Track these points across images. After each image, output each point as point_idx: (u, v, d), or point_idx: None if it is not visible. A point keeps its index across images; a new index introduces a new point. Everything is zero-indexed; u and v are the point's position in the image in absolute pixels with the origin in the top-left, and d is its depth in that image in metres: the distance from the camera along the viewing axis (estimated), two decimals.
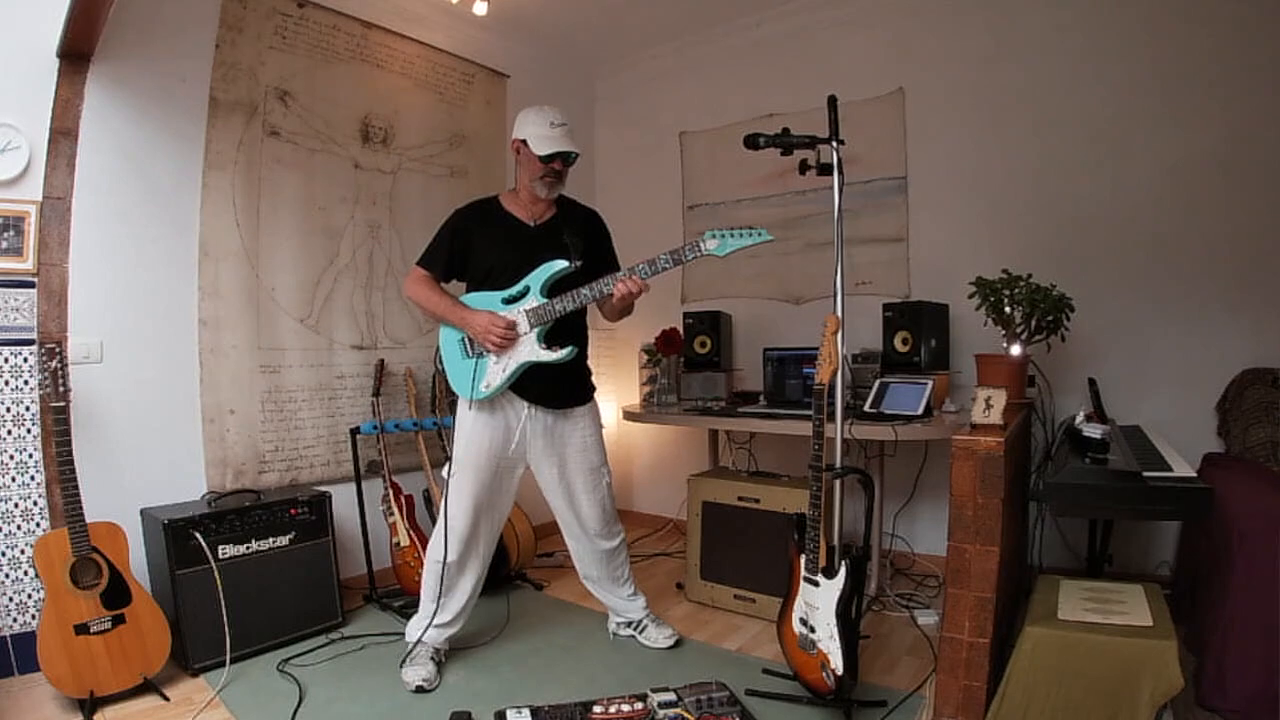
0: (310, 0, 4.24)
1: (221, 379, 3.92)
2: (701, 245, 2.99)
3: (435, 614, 3.36)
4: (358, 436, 4.25)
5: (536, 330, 3.17)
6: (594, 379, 3.57)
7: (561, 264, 3.17)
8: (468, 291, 3.35)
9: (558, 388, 3.34)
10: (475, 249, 3.33)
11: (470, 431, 3.31)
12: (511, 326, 3.14)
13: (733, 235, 2.96)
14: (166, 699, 3.11)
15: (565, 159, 3.25)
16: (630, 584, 3.71)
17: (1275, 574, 2.57)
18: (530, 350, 3.17)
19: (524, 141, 3.24)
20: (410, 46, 4.79)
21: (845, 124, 3.02)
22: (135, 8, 3.54)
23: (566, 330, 3.26)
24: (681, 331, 4.96)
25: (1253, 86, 3.71)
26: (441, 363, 3.39)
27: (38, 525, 3.33)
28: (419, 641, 3.36)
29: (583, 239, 3.31)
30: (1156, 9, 3.94)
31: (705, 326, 4.98)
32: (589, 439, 3.46)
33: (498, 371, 3.20)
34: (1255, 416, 3.49)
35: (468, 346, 3.27)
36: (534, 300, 3.18)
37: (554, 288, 3.19)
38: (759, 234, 2.96)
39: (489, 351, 3.20)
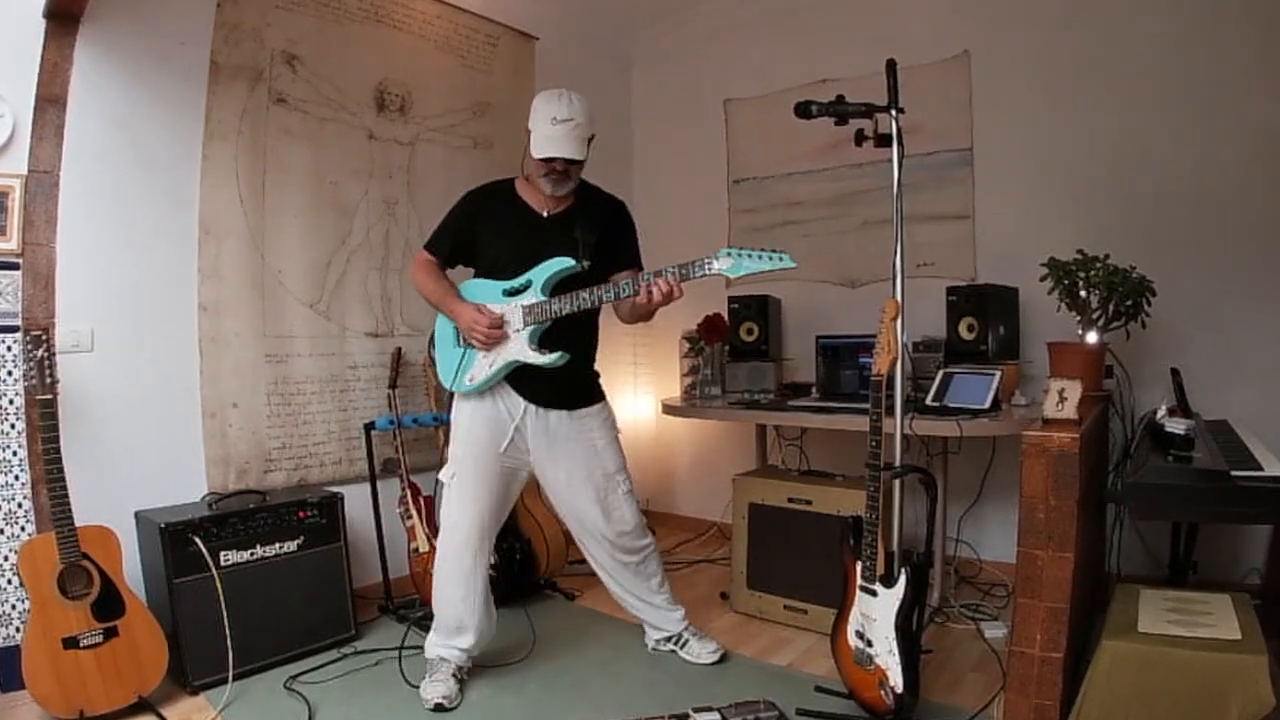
0: None
1: (223, 370, 3.88)
2: (710, 264, 2.90)
3: (452, 635, 3.34)
4: (372, 432, 4.23)
5: (530, 329, 3.17)
6: (602, 381, 3.56)
7: (567, 263, 3.16)
8: (475, 278, 3.34)
9: (556, 388, 3.32)
10: (483, 235, 3.34)
11: (467, 427, 3.32)
12: (497, 324, 3.15)
13: (750, 256, 2.85)
14: (164, 719, 3.07)
15: (565, 160, 3.17)
16: (666, 593, 3.67)
17: None
18: (520, 349, 3.18)
19: (530, 133, 3.19)
20: (429, 5, 4.74)
21: (905, 91, 3.00)
22: None
23: (568, 331, 3.22)
24: (726, 317, 4.94)
25: None
26: (433, 347, 3.43)
27: (22, 529, 3.30)
28: (436, 656, 3.34)
29: (598, 235, 3.27)
30: None
31: (752, 312, 4.96)
32: (599, 443, 3.43)
33: (484, 366, 3.23)
34: None
35: (459, 335, 3.29)
36: (532, 297, 3.18)
37: (559, 286, 3.17)
38: (780, 258, 2.84)
39: (479, 345, 3.21)
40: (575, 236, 3.19)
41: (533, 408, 3.30)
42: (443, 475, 3.36)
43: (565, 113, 3.10)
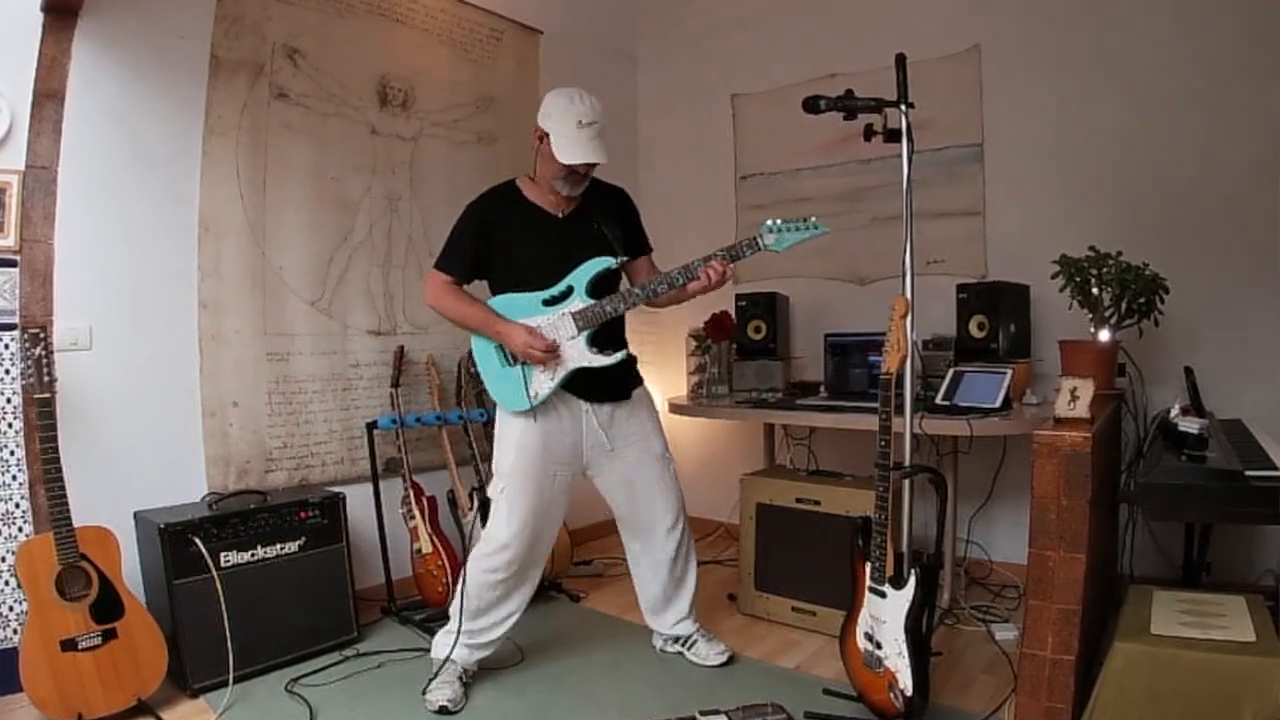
0: None
1: (224, 368, 3.87)
2: (760, 240, 3.07)
3: (476, 634, 3.33)
4: (375, 431, 4.21)
5: (586, 334, 3.17)
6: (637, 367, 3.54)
7: (608, 261, 3.19)
8: (494, 290, 3.30)
9: (610, 381, 3.31)
10: (501, 246, 3.29)
11: (520, 439, 3.25)
12: (554, 347, 3.13)
13: (789, 228, 3.04)
14: None
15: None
16: (691, 596, 3.64)
17: None
18: (580, 355, 3.17)
19: (547, 134, 3.15)
20: None
21: (915, 85, 2.97)
22: None
23: (607, 326, 3.24)
24: (733, 315, 4.93)
25: None
26: (476, 369, 3.36)
27: (20, 530, 3.28)
28: (448, 659, 3.31)
29: (619, 228, 3.31)
30: None
31: (760, 310, 4.94)
32: (649, 425, 3.46)
33: (545, 380, 3.19)
34: None
35: (507, 354, 3.24)
36: (579, 302, 3.18)
37: (596, 286, 3.19)
38: (815, 226, 3.05)
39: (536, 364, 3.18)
40: (603, 233, 3.23)
41: (593, 406, 3.30)
42: (491, 491, 3.33)
43: (590, 115, 3.09)
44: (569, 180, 3.18)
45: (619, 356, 3.17)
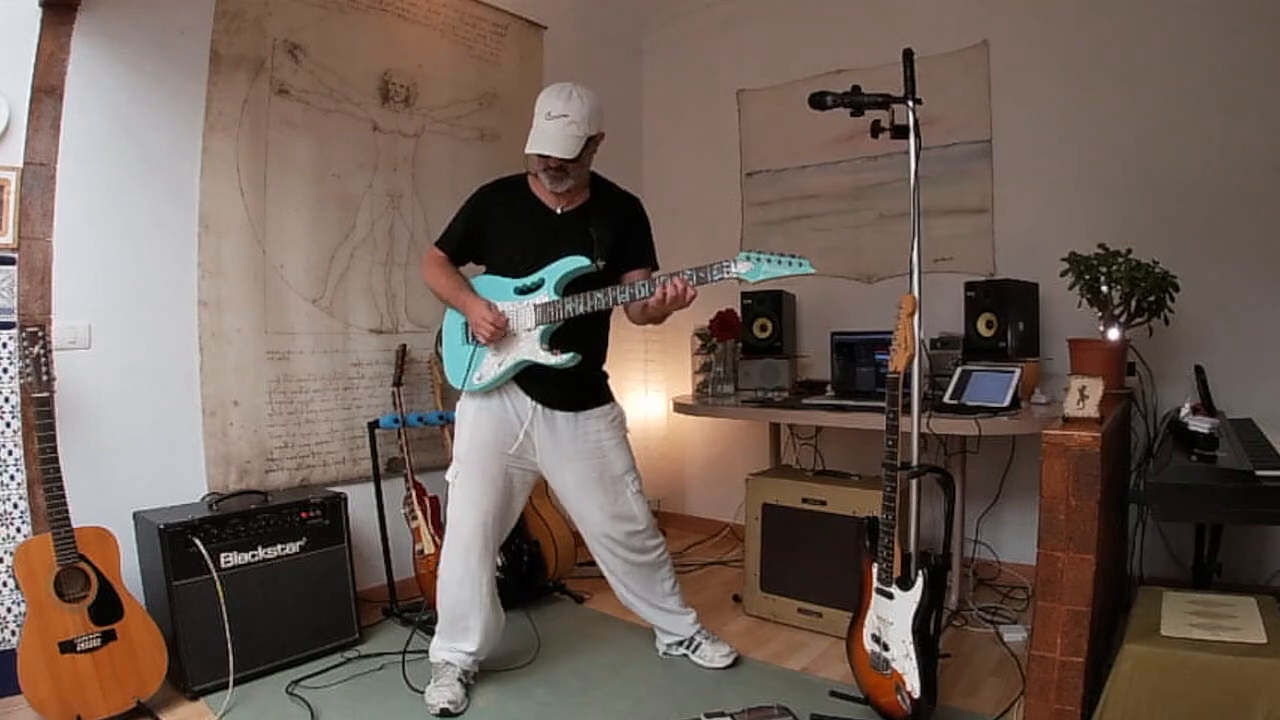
0: None
1: (224, 367, 3.86)
2: (729, 268, 2.95)
3: (457, 638, 3.33)
4: (377, 431, 4.21)
5: (541, 329, 3.17)
6: (611, 383, 3.54)
7: (581, 261, 3.15)
8: (486, 274, 3.33)
9: (565, 388, 3.31)
10: (494, 232, 3.33)
11: (472, 426, 3.31)
12: (503, 323, 3.14)
13: (769, 260, 2.92)
14: None
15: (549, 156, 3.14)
16: (677, 597, 3.65)
17: None
18: (530, 349, 3.18)
19: None
20: None
21: (923, 81, 2.97)
22: None
23: (579, 331, 3.22)
24: (739, 313, 4.92)
25: None
26: (441, 345, 3.41)
27: (18, 531, 3.27)
28: (442, 660, 3.33)
29: (612, 233, 3.27)
30: None
31: (766, 308, 4.93)
32: (606, 443, 3.41)
33: (493, 364, 3.23)
34: None
35: (468, 333, 3.28)
36: (545, 296, 3.17)
37: (572, 285, 3.17)
38: (800, 263, 2.92)
39: (484, 342, 3.18)
40: (590, 234, 3.19)
41: (541, 408, 3.29)
42: (448, 475, 3.35)
43: (560, 108, 3.06)
44: (546, 174, 3.17)
45: (565, 359, 3.13)
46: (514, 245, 3.26)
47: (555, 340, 3.17)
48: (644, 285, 3.04)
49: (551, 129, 3.06)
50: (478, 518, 3.26)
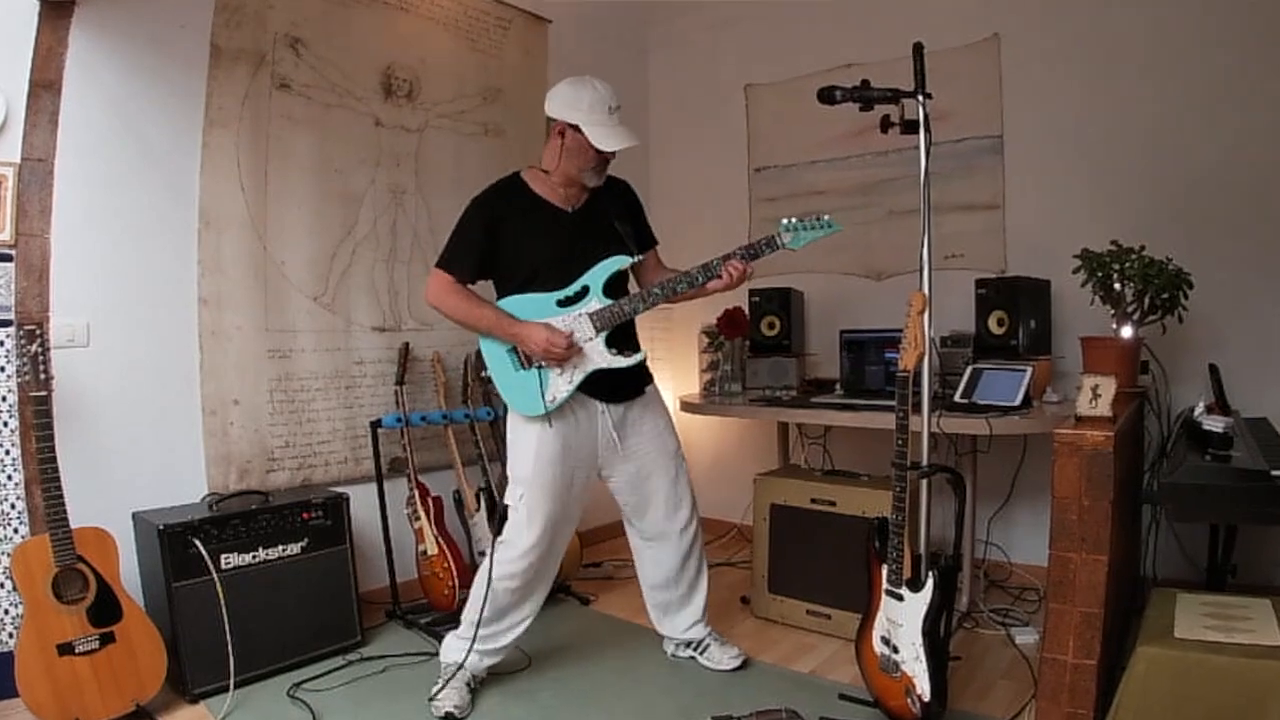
0: None
1: (224, 365, 3.85)
2: (780, 239, 3.09)
3: (489, 639, 3.32)
4: (379, 430, 4.20)
5: (604, 334, 3.16)
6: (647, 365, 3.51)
7: (623, 261, 3.18)
8: (501, 291, 3.28)
9: (625, 380, 3.30)
10: (509, 244, 3.24)
11: (538, 445, 3.21)
12: (574, 343, 3.10)
13: (804, 226, 3.07)
14: None
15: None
16: (704, 599, 3.64)
17: None
18: (599, 357, 3.16)
19: (574, 127, 3.12)
20: None
21: (933, 75, 2.98)
22: None
23: (620, 326, 3.23)
24: (747, 311, 4.91)
25: None
26: (487, 372, 3.33)
27: (15, 531, 3.27)
28: (454, 663, 3.30)
29: (629, 223, 3.33)
30: None
31: (774, 305, 4.92)
32: (661, 423, 3.46)
33: (563, 383, 3.17)
34: None
35: (520, 358, 3.20)
36: (596, 302, 3.16)
37: (611, 285, 3.18)
38: (830, 224, 3.08)
39: (550, 365, 3.15)
40: (615, 229, 3.22)
41: (609, 406, 3.29)
42: (509, 498, 3.29)
43: (616, 100, 3.13)
44: (596, 170, 3.19)
45: (639, 357, 3.17)
46: (537, 254, 3.20)
47: (612, 342, 3.18)
48: (699, 273, 3.12)
49: (617, 122, 3.11)
50: (545, 535, 3.24)
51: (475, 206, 3.28)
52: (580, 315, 3.13)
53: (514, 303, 3.19)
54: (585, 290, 3.15)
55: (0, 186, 3.23)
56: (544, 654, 3.70)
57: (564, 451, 3.23)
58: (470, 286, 3.27)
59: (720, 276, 3.11)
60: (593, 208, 3.29)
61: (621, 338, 3.21)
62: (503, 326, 3.14)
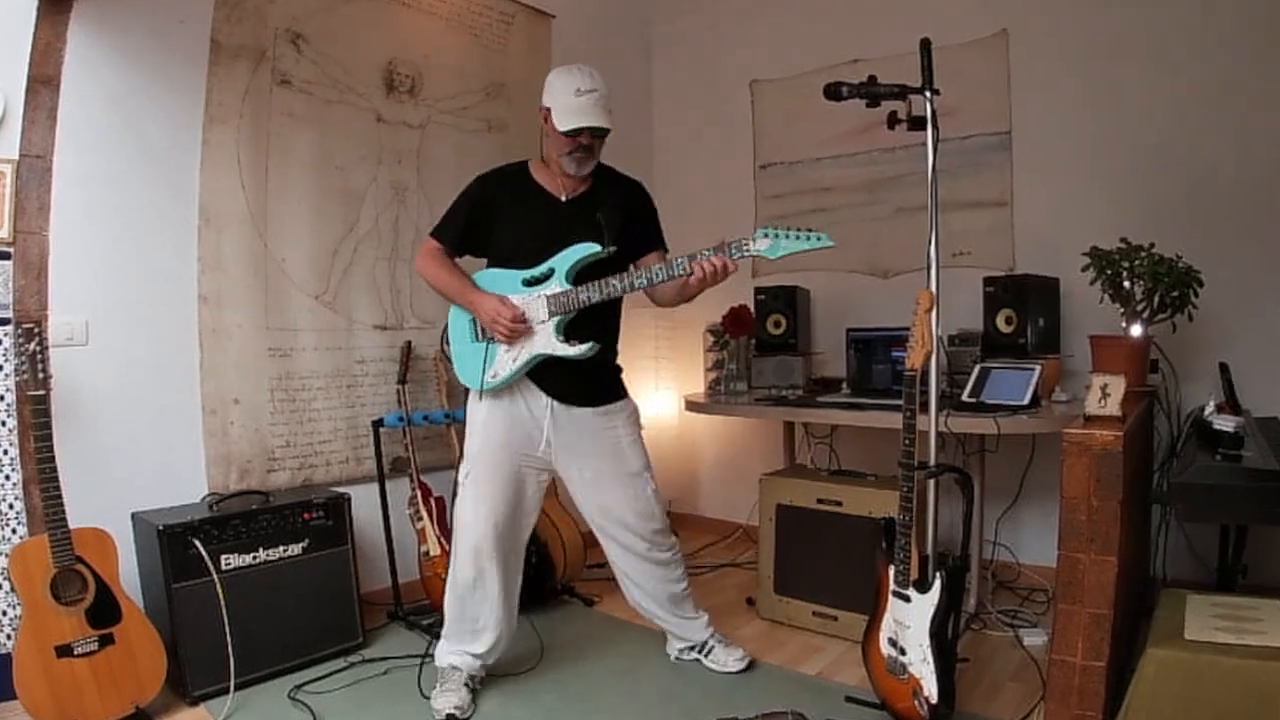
0: None
1: (224, 364, 3.85)
2: (748, 245, 2.94)
3: (464, 637, 3.31)
4: (381, 430, 4.21)
5: (555, 320, 3.13)
6: (624, 376, 3.53)
7: (592, 248, 3.12)
8: (490, 267, 3.29)
9: (581, 383, 3.28)
10: (498, 223, 3.29)
11: (484, 424, 3.27)
12: (520, 318, 3.10)
13: (787, 236, 2.89)
14: None
15: (594, 132, 3.13)
16: (690, 601, 3.63)
17: None
18: (546, 341, 3.14)
19: (550, 110, 3.14)
20: None
21: (940, 71, 2.98)
22: None
23: (592, 322, 3.20)
24: (752, 309, 4.91)
25: None
26: (448, 344, 3.37)
27: (13, 532, 3.26)
28: (448, 664, 3.32)
29: (621, 217, 3.25)
30: None
31: (780, 304, 4.91)
32: (623, 440, 3.41)
33: (508, 361, 3.18)
34: None
35: (477, 329, 3.25)
36: (556, 286, 3.13)
37: (582, 274, 3.13)
38: (819, 238, 2.89)
39: (502, 340, 3.14)
40: (598, 220, 3.16)
41: (557, 404, 3.26)
42: (459, 475, 3.32)
43: (589, 84, 3.08)
44: (574, 157, 3.16)
45: (584, 349, 3.09)
46: (520, 235, 3.23)
47: (569, 331, 3.14)
48: (661, 269, 3.03)
49: (586, 104, 3.07)
50: (489, 517, 3.23)
51: (475, 182, 3.38)
52: (539, 296, 3.12)
53: (485, 276, 3.26)
54: (550, 273, 3.13)
55: None
56: (547, 655, 3.69)
57: (508, 435, 3.25)
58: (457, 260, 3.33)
59: (692, 272, 2.99)
60: (587, 200, 3.27)
61: (581, 329, 3.16)
62: (464, 294, 3.20)
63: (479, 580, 3.27)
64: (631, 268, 3.34)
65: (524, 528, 3.40)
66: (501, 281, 3.20)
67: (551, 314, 3.11)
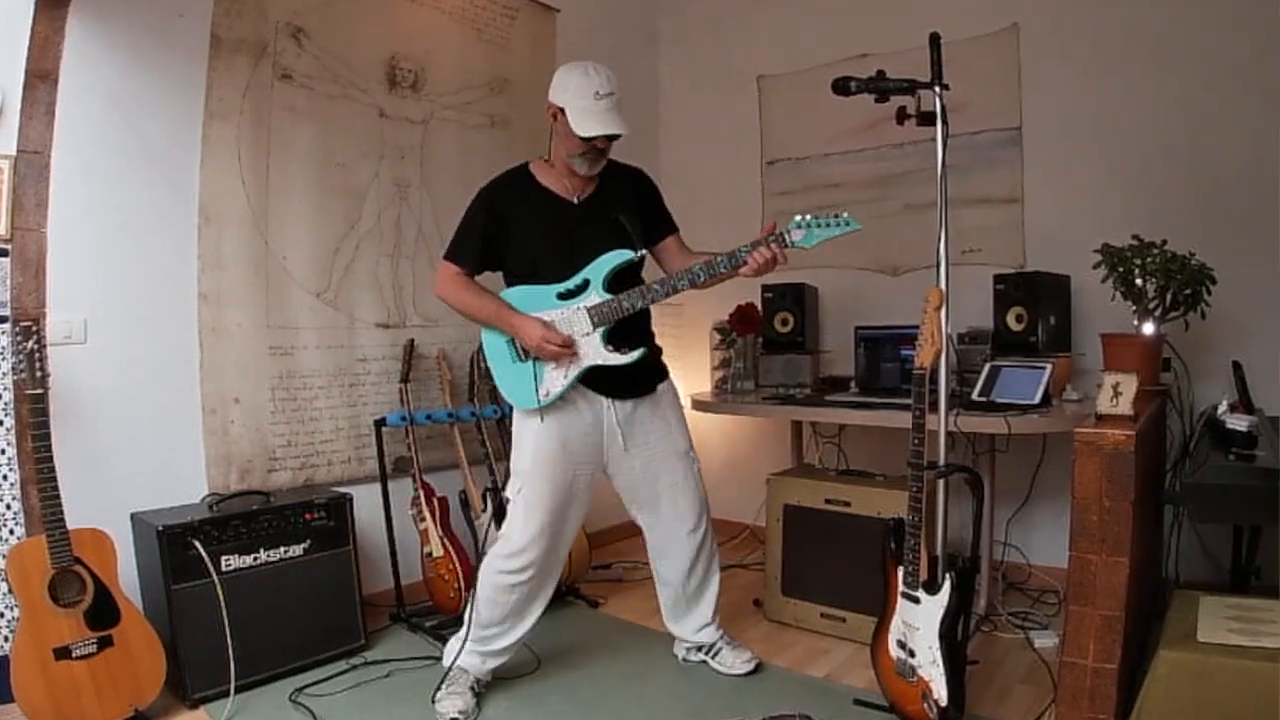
0: None
1: (225, 363, 3.84)
2: (788, 236, 3.00)
3: (488, 640, 3.30)
4: (383, 429, 4.19)
5: (601, 330, 3.12)
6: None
7: (625, 254, 3.14)
8: (508, 282, 3.28)
9: (633, 376, 3.27)
10: (514, 236, 3.25)
11: (539, 438, 3.21)
12: (569, 342, 3.08)
13: (819, 224, 2.98)
14: None
15: (610, 136, 3.12)
16: (717, 592, 3.62)
17: None
18: (595, 353, 3.13)
19: (562, 110, 3.11)
20: None
21: (950, 66, 2.96)
22: None
23: (629, 320, 3.19)
24: (760, 307, 4.91)
25: None
26: (486, 364, 3.33)
27: (11, 533, 3.25)
28: (458, 666, 3.30)
29: (637, 215, 3.27)
30: None
31: (787, 301, 4.92)
32: (672, 422, 3.43)
33: (559, 377, 3.15)
34: None
35: (517, 349, 3.20)
36: (595, 296, 3.13)
37: (615, 280, 3.15)
38: (846, 222, 2.98)
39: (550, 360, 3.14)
40: (620, 222, 3.18)
41: (614, 402, 3.27)
42: (508, 492, 3.30)
43: (607, 86, 3.06)
44: (587, 158, 3.14)
45: (635, 355, 3.11)
46: (539, 245, 3.21)
47: (612, 338, 3.14)
48: (700, 269, 3.07)
49: (603, 108, 3.06)
50: (542, 526, 3.21)
51: (479, 198, 3.31)
52: (579, 309, 3.12)
53: (515, 294, 3.20)
54: (586, 284, 3.13)
55: None
56: (552, 657, 3.69)
57: (564, 446, 3.22)
58: (477, 278, 3.29)
59: (745, 263, 3.03)
60: (600, 199, 3.27)
61: (624, 334, 3.17)
62: (502, 317, 3.16)
63: (532, 591, 3.29)
64: (658, 257, 3.41)
65: (572, 531, 3.40)
66: (534, 299, 3.17)
67: (595, 325, 3.11)
